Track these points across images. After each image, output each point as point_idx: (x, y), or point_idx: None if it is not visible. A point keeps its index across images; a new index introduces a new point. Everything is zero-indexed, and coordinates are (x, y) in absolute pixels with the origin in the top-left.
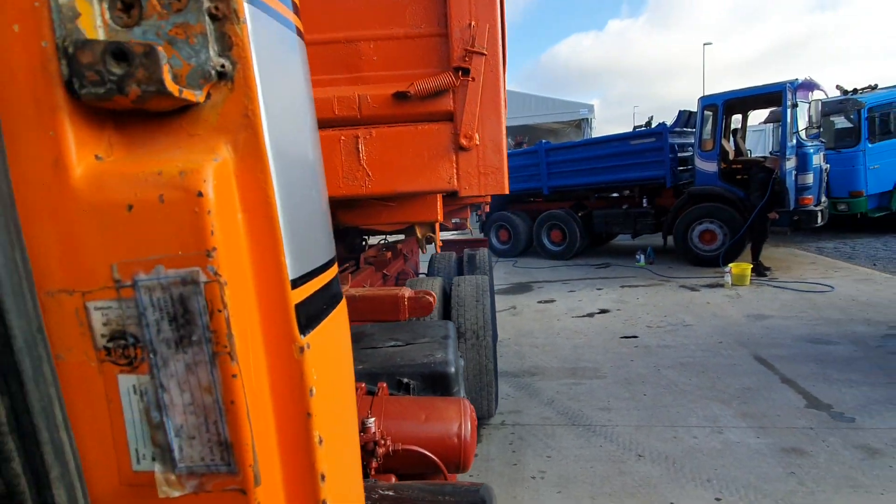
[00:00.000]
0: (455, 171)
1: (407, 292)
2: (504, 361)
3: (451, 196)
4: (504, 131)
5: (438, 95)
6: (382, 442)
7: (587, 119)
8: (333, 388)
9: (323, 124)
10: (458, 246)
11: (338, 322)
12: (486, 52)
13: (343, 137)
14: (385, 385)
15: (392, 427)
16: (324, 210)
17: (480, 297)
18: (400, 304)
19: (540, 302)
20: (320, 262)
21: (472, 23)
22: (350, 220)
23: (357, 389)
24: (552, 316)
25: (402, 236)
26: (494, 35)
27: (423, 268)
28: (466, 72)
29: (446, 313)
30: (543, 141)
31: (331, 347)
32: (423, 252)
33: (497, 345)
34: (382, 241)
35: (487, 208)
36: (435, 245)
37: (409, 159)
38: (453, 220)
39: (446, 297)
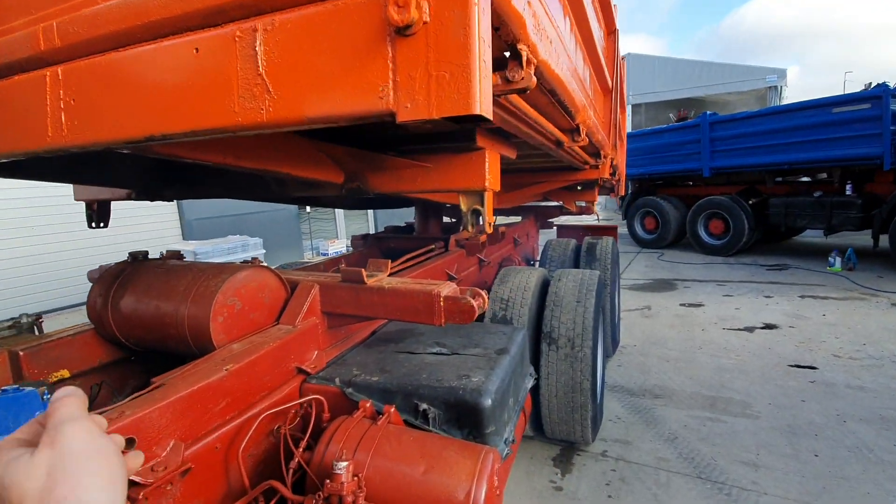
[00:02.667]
0: (390, 74)
1: (445, 290)
2: (621, 374)
3: (391, 118)
4: (475, 3)
5: None
6: (350, 500)
7: (776, 87)
8: None
9: (218, 18)
10: (580, 233)
11: None
12: None
13: (239, 34)
14: (394, 409)
15: (379, 472)
16: None
17: (583, 297)
18: (434, 305)
19: (683, 305)
20: None
21: None
22: (380, 185)
23: (360, 409)
24: (695, 324)
25: (518, 217)
26: None
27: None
28: None
29: (540, 312)
30: (707, 112)
31: None
32: (470, 230)
33: (617, 351)
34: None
35: (622, 191)
36: (484, 223)
37: (322, 61)
38: (577, 203)
39: (545, 292)
